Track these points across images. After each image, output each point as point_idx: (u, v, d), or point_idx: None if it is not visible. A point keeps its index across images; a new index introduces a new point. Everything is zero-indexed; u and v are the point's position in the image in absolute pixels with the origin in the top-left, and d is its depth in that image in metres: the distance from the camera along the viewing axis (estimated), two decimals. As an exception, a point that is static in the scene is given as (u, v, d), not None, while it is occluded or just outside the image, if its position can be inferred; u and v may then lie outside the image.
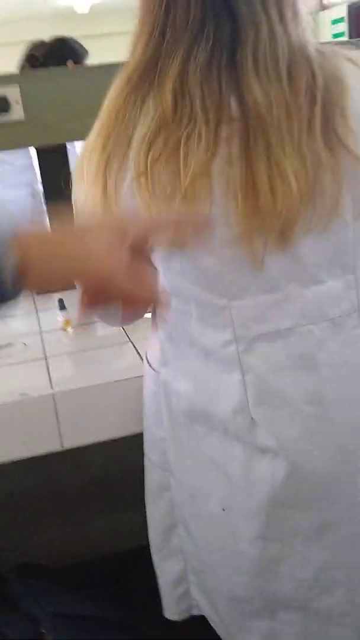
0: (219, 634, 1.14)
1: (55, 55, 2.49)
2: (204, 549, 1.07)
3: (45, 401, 1.15)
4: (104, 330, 1.43)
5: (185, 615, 1.19)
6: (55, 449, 1.18)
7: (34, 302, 1.67)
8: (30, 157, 2.00)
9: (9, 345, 1.39)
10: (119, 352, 1.33)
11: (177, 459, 1.05)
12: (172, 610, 1.19)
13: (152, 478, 1.14)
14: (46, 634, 1.34)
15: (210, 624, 1.18)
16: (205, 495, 1.03)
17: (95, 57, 2.64)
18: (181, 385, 1.00)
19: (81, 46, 2.56)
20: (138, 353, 1.28)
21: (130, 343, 1.34)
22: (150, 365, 1.09)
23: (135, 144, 0.85)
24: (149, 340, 1.10)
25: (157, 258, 0.94)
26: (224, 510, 1.01)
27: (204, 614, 1.17)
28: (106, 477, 1.86)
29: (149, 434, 1.12)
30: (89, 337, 1.42)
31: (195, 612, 1.18)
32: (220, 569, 1.06)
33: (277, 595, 1.03)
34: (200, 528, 1.06)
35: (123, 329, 1.40)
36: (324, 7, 5.38)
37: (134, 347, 1.31)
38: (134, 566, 1.80)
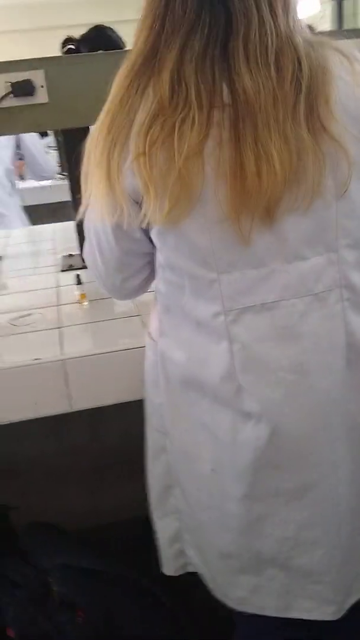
0: (210, 588, 1.21)
1: (88, 43, 2.56)
2: (195, 507, 1.14)
3: (56, 366, 1.24)
4: (116, 304, 1.51)
5: (181, 571, 1.27)
6: (65, 411, 1.27)
7: (57, 279, 1.77)
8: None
9: (27, 315, 1.48)
10: (128, 324, 1.41)
11: (172, 422, 1.13)
12: (168, 567, 1.27)
13: (151, 441, 1.22)
14: (54, 584, 1.44)
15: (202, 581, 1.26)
16: (197, 456, 1.10)
17: (129, 43, 2.70)
18: (176, 354, 1.07)
19: (118, 36, 2.61)
20: (144, 326, 1.36)
21: (139, 317, 1.41)
22: (150, 336, 1.16)
23: (135, 127, 0.92)
24: (151, 313, 1.18)
25: (154, 235, 1.01)
26: (213, 470, 1.08)
27: (197, 571, 1.25)
28: (121, 447, 1.95)
29: (148, 400, 1.20)
30: (101, 310, 1.50)
31: (190, 569, 1.26)
32: (210, 527, 1.13)
33: (262, 552, 1.10)
34: (192, 488, 1.14)
35: (133, 304, 1.48)
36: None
37: (141, 320, 1.39)
38: (141, 533, 1.89)
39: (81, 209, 1.06)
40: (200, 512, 1.13)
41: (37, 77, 1.54)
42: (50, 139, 5.44)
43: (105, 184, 0.96)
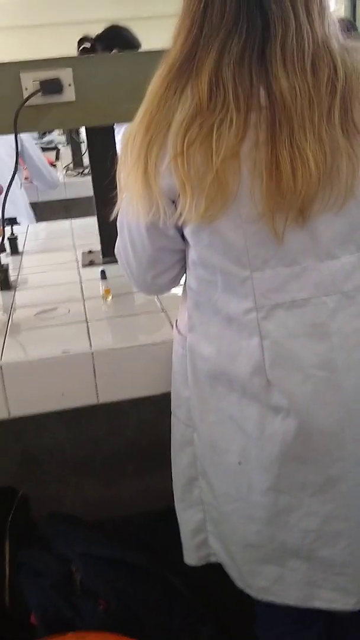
0: (233, 578, 1.24)
1: (103, 42, 2.59)
2: (221, 499, 1.17)
3: (85, 358, 1.27)
4: (140, 300, 1.54)
5: (203, 561, 1.29)
6: (91, 403, 1.29)
7: (79, 274, 1.79)
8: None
9: (54, 309, 1.51)
10: (153, 319, 1.44)
11: (200, 415, 1.16)
12: (191, 557, 1.30)
13: (177, 433, 1.25)
14: (76, 573, 1.47)
15: (224, 573, 1.29)
16: (224, 449, 1.13)
17: (145, 39, 2.73)
18: (205, 349, 1.10)
19: (133, 36, 2.64)
20: (169, 320, 1.38)
21: (163, 312, 1.44)
22: (178, 331, 1.19)
23: (173, 128, 0.95)
24: (179, 308, 1.21)
25: (188, 232, 1.04)
26: (240, 463, 1.11)
27: (219, 561, 1.28)
28: (139, 440, 1.98)
29: (175, 393, 1.23)
30: (126, 305, 1.53)
31: (212, 559, 1.28)
32: (236, 518, 1.16)
33: (286, 543, 1.13)
34: (218, 479, 1.17)
35: (158, 299, 1.51)
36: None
37: (167, 315, 1.42)
38: (161, 525, 1.92)
39: (116, 207, 1.09)
40: (226, 503, 1.16)
41: (66, 76, 1.57)
42: (54, 137, 5.48)
43: (142, 183, 0.98)
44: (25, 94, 1.55)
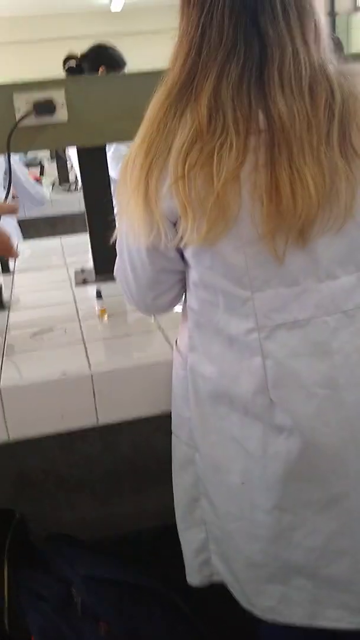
0: (237, 597, 1.24)
1: (89, 61, 2.61)
2: (224, 518, 1.17)
3: (84, 381, 1.27)
4: (136, 319, 1.55)
5: (206, 581, 1.29)
6: (91, 424, 1.29)
7: (73, 293, 1.79)
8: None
9: (50, 330, 1.50)
10: (150, 338, 1.44)
11: (202, 435, 1.16)
12: (194, 577, 1.29)
13: (178, 453, 1.25)
14: (76, 595, 1.46)
15: (227, 591, 1.28)
16: (227, 468, 1.13)
17: (127, 54, 2.76)
18: (207, 369, 1.11)
19: (119, 55, 2.66)
20: (167, 340, 1.39)
21: (159, 331, 1.45)
22: (179, 351, 1.20)
23: (174, 152, 0.96)
24: (179, 328, 1.21)
25: (189, 254, 1.05)
26: (243, 483, 1.11)
27: (223, 581, 1.27)
28: (135, 458, 1.97)
29: (176, 413, 1.23)
30: (122, 324, 1.53)
31: (215, 578, 1.28)
32: (239, 537, 1.16)
33: (290, 562, 1.13)
34: (221, 499, 1.17)
35: (155, 318, 1.51)
36: (358, 9, 5.42)
37: (163, 334, 1.42)
38: (159, 543, 1.91)
39: (116, 229, 1.10)
40: (229, 522, 1.16)
41: (58, 97, 1.58)
42: (37, 153, 5.48)
43: (143, 205, 0.99)
44: (18, 115, 1.56)
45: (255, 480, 1.10)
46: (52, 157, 5.05)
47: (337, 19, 5.04)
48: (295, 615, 1.16)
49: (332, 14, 5.18)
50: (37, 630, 1.40)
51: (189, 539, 1.27)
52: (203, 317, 1.10)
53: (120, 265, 1.16)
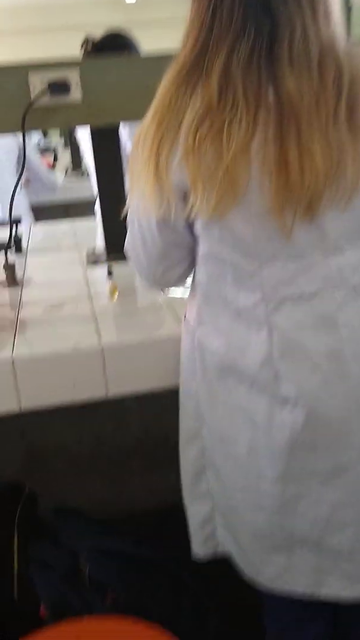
0: (242, 568, 1.26)
1: (105, 46, 2.61)
2: (230, 489, 1.20)
3: (95, 354, 1.29)
4: (146, 296, 1.57)
5: (211, 552, 1.31)
6: (101, 397, 1.31)
7: (85, 272, 1.82)
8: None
9: (62, 306, 1.53)
10: (160, 315, 1.46)
11: (209, 407, 1.18)
12: (199, 549, 1.32)
13: (185, 426, 1.27)
14: (84, 566, 1.49)
15: (232, 567, 1.30)
16: (233, 440, 1.15)
17: (143, 43, 2.76)
18: (214, 342, 1.13)
19: (134, 42, 2.67)
20: (176, 317, 1.41)
21: (169, 308, 1.46)
22: (187, 325, 1.22)
23: (184, 126, 0.97)
24: (187, 303, 1.23)
25: (198, 227, 1.07)
26: (249, 453, 1.14)
27: (228, 552, 1.29)
28: (144, 437, 2.00)
29: (184, 385, 1.25)
30: (133, 302, 1.55)
31: (220, 550, 1.31)
32: (245, 507, 1.18)
33: (295, 532, 1.15)
34: (227, 470, 1.19)
35: (163, 296, 1.53)
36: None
37: (173, 311, 1.44)
38: (167, 521, 1.93)
39: (127, 203, 1.12)
40: (235, 493, 1.19)
41: (73, 77, 1.59)
42: (51, 140, 5.51)
43: (154, 179, 1.01)
44: (33, 95, 1.58)
45: (261, 450, 1.12)
46: (65, 144, 5.07)
47: (352, 13, 4.99)
48: (300, 584, 1.18)
49: (347, 6, 5.13)
50: (45, 598, 1.44)
51: (195, 512, 1.30)
52: (211, 290, 1.12)
53: (130, 239, 1.18)
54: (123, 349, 1.31)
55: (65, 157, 4.83)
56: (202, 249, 1.11)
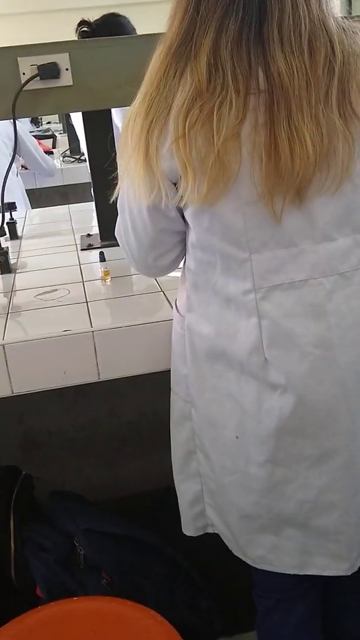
0: (230, 547, 1.28)
1: (101, 29, 2.59)
2: (219, 472, 1.21)
3: (86, 337, 1.30)
4: (138, 281, 1.57)
5: (201, 532, 1.32)
6: (92, 380, 1.32)
7: (78, 257, 1.82)
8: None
9: (54, 291, 1.53)
10: (152, 300, 1.46)
11: (198, 392, 1.19)
12: (189, 528, 1.33)
13: (176, 408, 1.28)
14: (79, 548, 1.50)
15: (223, 546, 1.32)
16: (222, 424, 1.16)
17: (140, 25, 2.74)
18: (204, 328, 1.13)
19: (130, 24, 2.65)
20: (168, 301, 1.41)
21: (161, 292, 1.47)
22: (177, 311, 1.22)
23: (174, 111, 0.96)
24: (178, 289, 1.24)
25: (188, 215, 1.06)
26: (237, 437, 1.14)
27: (217, 532, 1.31)
28: (138, 421, 2.01)
29: (174, 370, 1.26)
30: (125, 286, 1.56)
31: (209, 530, 1.31)
32: (233, 490, 1.19)
33: (282, 513, 1.16)
34: (216, 453, 1.20)
35: (156, 281, 1.53)
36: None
37: (165, 296, 1.45)
38: (162, 504, 1.95)
39: (116, 189, 1.11)
40: (224, 476, 1.20)
41: (63, 60, 1.58)
42: (50, 125, 5.48)
43: (144, 165, 1.00)
44: (23, 79, 1.57)
45: (249, 434, 1.13)
46: (64, 130, 5.05)
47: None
48: (285, 564, 1.20)
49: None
50: (40, 580, 1.46)
51: (185, 491, 1.31)
52: (200, 278, 1.12)
53: (121, 225, 1.18)
54: (114, 332, 1.32)
55: (63, 142, 4.81)
56: (191, 237, 1.10)
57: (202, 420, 1.21)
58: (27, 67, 1.57)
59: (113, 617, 1.11)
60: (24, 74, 1.57)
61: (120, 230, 1.19)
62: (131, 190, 1.06)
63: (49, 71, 1.58)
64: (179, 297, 1.23)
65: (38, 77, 1.57)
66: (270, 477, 1.14)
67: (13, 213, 2.11)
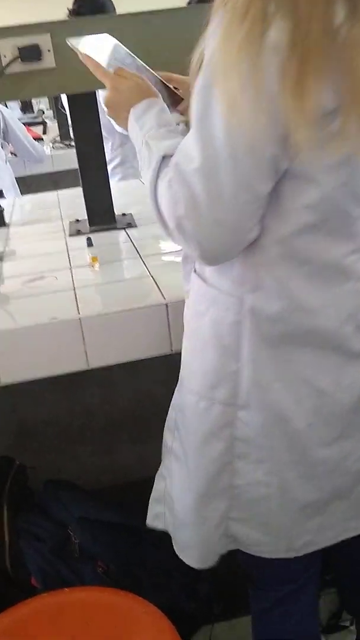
0: (264, 553, 1.15)
1: (84, 8, 2.55)
2: (283, 467, 1.07)
3: (73, 324, 1.28)
4: (127, 266, 1.55)
5: (218, 557, 1.19)
6: (81, 369, 1.30)
7: (66, 243, 1.79)
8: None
9: (41, 278, 1.51)
10: (140, 285, 1.44)
11: (259, 387, 1.03)
12: (210, 558, 1.18)
13: (209, 418, 1.08)
14: (74, 536, 1.49)
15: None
16: (291, 415, 1.03)
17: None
18: (274, 306, 0.97)
19: (110, 1, 2.61)
20: (157, 287, 1.39)
21: (151, 277, 1.45)
22: (229, 295, 1.01)
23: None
24: (219, 271, 1.01)
25: (318, 167, 0.88)
26: (310, 425, 1.03)
27: (239, 547, 1.17)
28: (134, 408, 2.00)
29: (209, 371, 1.06)
30: (113, 272, 1.53)
31: (231, 547, 1.17)
32: (297, 483, 1.07)
33: (336, 489, 1.09)
34: (278, 451, 1.06)
35: (145, 266, 1.51)
36: None
37: (155, 281, 1.42)
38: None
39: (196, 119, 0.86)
40: (288, 471, 1.07)
41: (44, 42, 1.55)
42: (41, 111, 5.43)
43: (277, 99, 0.79)
44: (5, 62, 1.54)
45: (323, 417, 1.03)
46: (54, 117, 5.00)
47: None
48: (326, 539, 1.13)
49: None
50: (35, 570, 1.45)
51: (209, 515, 1.14)
52: (289, 247, 0.94)
53: (204, 186, 0.87)
54: (102, 319, 1.30)
55: (54, 128, 4.76)
56: (308, 196, 0.90)
57: (258, 421, 1.04)
58: (7, 49, 1.54)
59: (105, 608, 1.10)
60: (4, 56, 1.54)
61: (200, 191, 0.87)
62: (240, 136, 0.83)
63: (31, 53, 1.55)
64: (228, 277, 1.00)
65: (19, 60, 1.54)
66: (338, 455, 1.06)
67: (0, 200, 2.08)
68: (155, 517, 1.29)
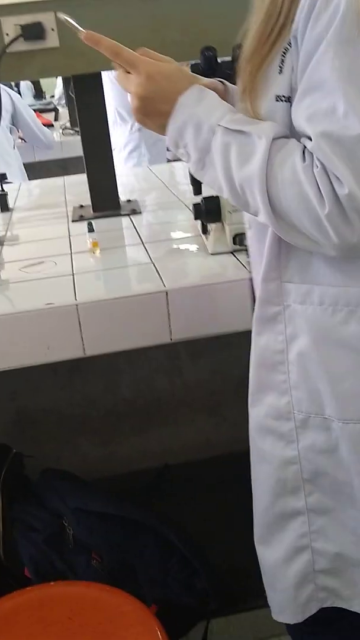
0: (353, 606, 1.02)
1: None
2: None
3: (70, 311, 1.24)
4: (129, 252, 1.51)
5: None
6: (78, 356, 1.27)
7: (68, 228, 1.76)
8: None
9: (40, 263, 1.48)
10: (141, 271, 1.40)
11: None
12: (295, 614, 1.04)
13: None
14: (68, 527, 1.46)
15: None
16: None
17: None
18: None
19: None
20: (158, 273, 1.35)
21: (152, 264, 1.41)
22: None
23: None
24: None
25: None
26: None
27: (340, 606, 1.03)
28: (135, 398, 1.96)
29: (328, 390, 0.91)
30: (114, 258, 1.50)
31: (328, 603, 1.03)
32: None
33: None
34: None
35: (147, 251, 1.47)
36: None
37: (155, 268, 1.38)
38: (158, 482, 1.92)
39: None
40: None
41: (48, 20, 1.51)
42: (53, 98, 5.39)
43: None
44: (7, 40, 1.50)
45: None
46: (66, 103, 4.96)
47: None
48: None
49: None
50: (28, 560, 1.42)
51: (289, 573, 1.03)
52: None
53: (343, 167, 0.74)
54: (99, 305, 1.26)
55: (66, 115, 4.72)
56: None
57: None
58: (10, 27, 1.50)
59: (90, 603, 1.07)
60: (7, 34, 1.50)
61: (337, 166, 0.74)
62: None
63: (34, 32, 1.51)
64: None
65: (22, 38, 1.50)
66: None
67: (4, 185, 2.04)
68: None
